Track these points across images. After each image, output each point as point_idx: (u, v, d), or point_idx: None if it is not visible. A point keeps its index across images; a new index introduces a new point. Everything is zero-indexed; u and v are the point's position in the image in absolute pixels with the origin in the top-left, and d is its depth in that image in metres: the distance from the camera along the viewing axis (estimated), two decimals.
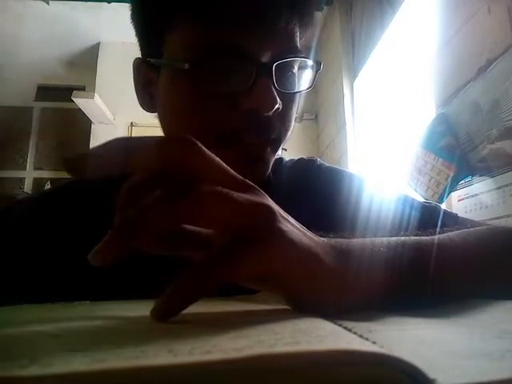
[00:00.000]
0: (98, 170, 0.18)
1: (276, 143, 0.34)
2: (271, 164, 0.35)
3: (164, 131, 0.38)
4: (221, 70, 0.31)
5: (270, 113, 0.31)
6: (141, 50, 0.37)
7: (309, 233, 0.21)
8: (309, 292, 0.19)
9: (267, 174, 0.35)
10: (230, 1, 0.30)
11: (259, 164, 0.34)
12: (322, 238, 0.22)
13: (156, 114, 0.38)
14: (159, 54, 0.34)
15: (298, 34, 0.34)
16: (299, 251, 0.19)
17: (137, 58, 0.37)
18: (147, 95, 0.37)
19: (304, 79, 0.35)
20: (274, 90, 0.31)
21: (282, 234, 0.18)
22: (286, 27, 0.32)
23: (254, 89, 0.30)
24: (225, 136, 0.32)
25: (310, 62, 0.35)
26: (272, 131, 0.33)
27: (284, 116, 0.34)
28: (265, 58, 0.31)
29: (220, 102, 0.32)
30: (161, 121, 0.38)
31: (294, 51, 0.33)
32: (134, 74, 0.38)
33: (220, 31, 0.30)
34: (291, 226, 0.20)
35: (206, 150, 0.19)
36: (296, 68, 0.34)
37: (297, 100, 0.36)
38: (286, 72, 0.33)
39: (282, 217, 0.20)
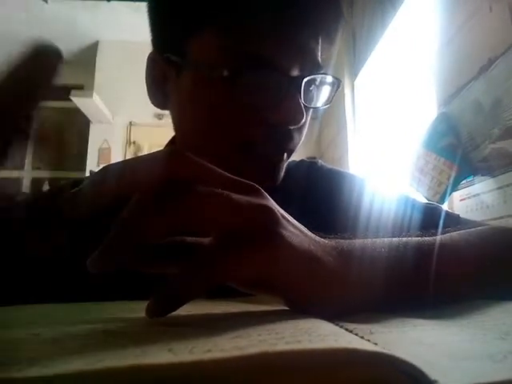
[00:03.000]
0: (98, 202, 0.17)
1: (291, 152, 0.36)
2: (284, 170, 0.36)
3: (180, 131, 0.38)
4: (253, 82, 0.31)
5: (296, 126, 0.32)
6: (155, 43, 0.37)
7: (310, 234, 0.21)
8: (308, 293, 0.19)
9: (280, 179, 0.36)
10: (268, 14, 0.30)
11: (275, 171, 0.35)
12: (323, 239, 0.22)
13: (166, 111, 0.38)
14: (181, 53, 0.33)
15: (322, 49, 0.34)
16: (298, 253, 0.19)
17: (152, 52, 0.37)
18: (160, 91, 0.37)
19: (323, 94, 0.36)
20: (302, 104, 0.31)
21: (281, 237, 0.18)
22: (315, 43, 0.33)
23: (283, 103, 0.31)
24: (246, 145, 0.33)
25: (331, 79, 0.35)
26: (291, 142, 0.34)
27: (302, 128, 0.35)
28: (294, 73, 0.32)
29: (247, 112, 0.32)
30: (176, 119, 0.37)
31: (318, 67, 0.34)
32: (147, 68, 0.37)
33: (255, 43, 0.30)
34: (292, 227, 0.20)
35: (202, 160, 0.19)
36: (318, 83, 0.35)
37: (311, 113, 0.37)
38: (310, 87, 0.34)
39: (284, 218, 0.19)
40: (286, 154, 0.35)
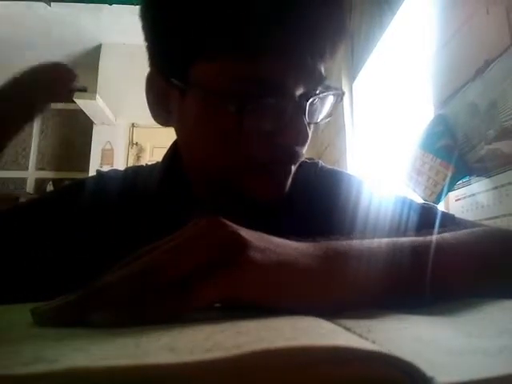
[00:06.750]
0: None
1: (297, 164, 0.36)
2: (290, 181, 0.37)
3: (187, 152, 0.38)
4: (261, 107, 0.31)
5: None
6: (155, 63, 0.36)
7: (285, 243, 0.22)
8: (284, 300, 0.20)
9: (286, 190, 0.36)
10: (269, 39, 0.30)
11: (284, 184, 0.35)
12: (301, 244, 0.22)
13: (170, 127, 0.38)
14: (184, 76, 0.33)
15: (324, 65, 0.34)
16: (267, 267, 0.20)
17: (151, 71, 0.36)
18: (162, 109, 0.36)
19: (326, 107, 0.36)
20: (307, 126, 0.32)
21: (249, 260, 0.19)
22: (319, 59, 0.33)
23: (290, 126, 0.31)
24: (257, 166, 0.33)
25: (333, 91, 0.35)
26: (297, 160, 0.35)
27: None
28: (298, 93, 0.32)
29: (256, 136, 0.32)
30: (183, 140, 0.37)
31: (321, 81, 0.34)
32: (147, 87, 0.36)
33: (262, 68, 0.30)
34: (261, 242, 0.21)
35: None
36: (321, 96, 0.34)
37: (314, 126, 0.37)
38: (313, 103, 0.34)
39: (251, 236, 0.20)
40: (292, 168, 0.35)
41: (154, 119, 0.37)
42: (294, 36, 0.30)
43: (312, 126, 0.35)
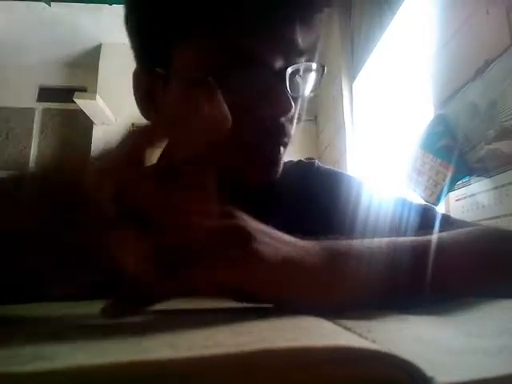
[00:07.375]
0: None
1: (286, 145, 0.36)
2: (282, 164, 0.37)
3: (178, 143, 0.38)
4: (241, 81, 0.32)
5: (286, 117, 0.33)
6: (138, 58, 0.37)
7: (290, 240, 0.22)
8: (286, 296, 0.20)
9: (279, 173, 0.36)
10: (244, 12, 0.30)
11: (274, 166, 0.35)
12: (307, 242, 0.22)
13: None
14: (166, 64, 0.34)
15: (302, 36, 0.34)
16: (272, 263, 0.19)
17: (136, 68, 0.37)
18: (149, 104, 0.37)
19: (309, 82, 0.36)
20: (288, 95, 0.32)
21: (253, 251, 0.19)
22: (294, 32, 0.33)
23: (271, 96, 0.32)
24: (246, 143, 0.33)
25: (315, 66, 0.36)
26: (285, 134, 0.35)
27: (292, 119, 0.35)
28: (277, 65, 0.32)
29: (239, 110, 0.32)
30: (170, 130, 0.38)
31: (301, 54, 0.34)
32: (133, 84, 0.37)
33: (238, 43, 0.31)
34: (268, 238, 0.20)
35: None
36: (302, 71, 0.35)
37: (300, 102, 0.37)
38: (294, 76, 0.34)
39: (258, 231, 0.20)
40: (281, 148, 0.35)
41: (142, 114, 0.38)
42: (269, 10, 0.31)
43: (297, 101, 0.36)
